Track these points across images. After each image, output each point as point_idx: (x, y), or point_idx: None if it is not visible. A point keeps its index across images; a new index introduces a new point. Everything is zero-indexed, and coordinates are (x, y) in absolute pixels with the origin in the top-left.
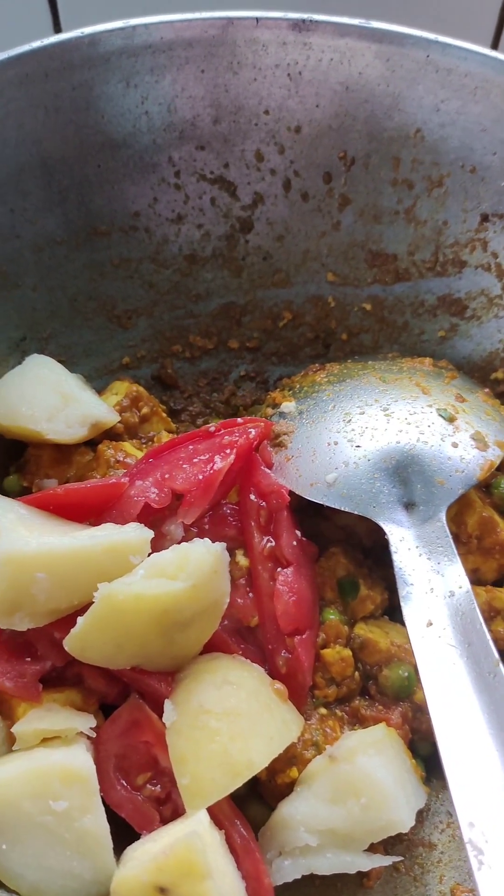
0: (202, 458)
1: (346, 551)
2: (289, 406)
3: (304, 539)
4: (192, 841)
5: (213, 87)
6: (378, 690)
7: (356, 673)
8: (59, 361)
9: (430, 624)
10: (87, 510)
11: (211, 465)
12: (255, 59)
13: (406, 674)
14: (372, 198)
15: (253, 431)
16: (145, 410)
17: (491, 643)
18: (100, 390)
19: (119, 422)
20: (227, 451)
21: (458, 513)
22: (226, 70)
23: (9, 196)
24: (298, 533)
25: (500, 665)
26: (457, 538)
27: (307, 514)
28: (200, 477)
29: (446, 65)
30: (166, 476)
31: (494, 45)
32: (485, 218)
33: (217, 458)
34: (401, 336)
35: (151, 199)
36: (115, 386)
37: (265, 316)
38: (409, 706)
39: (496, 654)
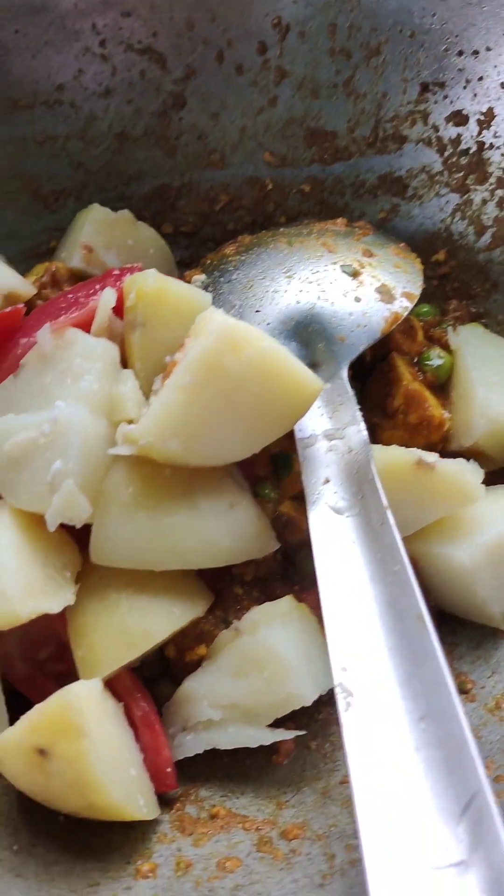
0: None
1: None
2: (198, 279)
3: None
4: (66, 699)
5: None
6: (296, 572)
7: (278, 554)
8: None
9: (327, 481)
10: None
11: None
12: None
13: None
14: (309, 70)
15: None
16: (66, 288)
17: (381, 492)
18: (24, 273)
19: (37, 297)
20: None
21: (386, 386)
22: None
23: None
24: None
25: (388, 511)
26: (384, 413)
27: None
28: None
29: None
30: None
31: None
32: (425, 88)
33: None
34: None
35: (76, 70)
36: (37, 269)
37: (201, 199)
38: None
39: (385, 501)
